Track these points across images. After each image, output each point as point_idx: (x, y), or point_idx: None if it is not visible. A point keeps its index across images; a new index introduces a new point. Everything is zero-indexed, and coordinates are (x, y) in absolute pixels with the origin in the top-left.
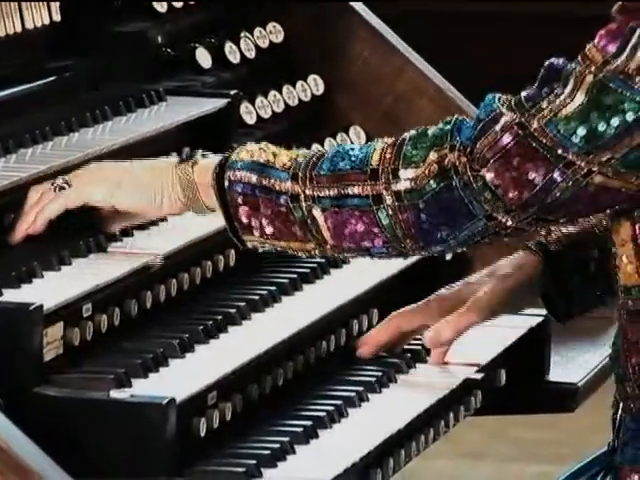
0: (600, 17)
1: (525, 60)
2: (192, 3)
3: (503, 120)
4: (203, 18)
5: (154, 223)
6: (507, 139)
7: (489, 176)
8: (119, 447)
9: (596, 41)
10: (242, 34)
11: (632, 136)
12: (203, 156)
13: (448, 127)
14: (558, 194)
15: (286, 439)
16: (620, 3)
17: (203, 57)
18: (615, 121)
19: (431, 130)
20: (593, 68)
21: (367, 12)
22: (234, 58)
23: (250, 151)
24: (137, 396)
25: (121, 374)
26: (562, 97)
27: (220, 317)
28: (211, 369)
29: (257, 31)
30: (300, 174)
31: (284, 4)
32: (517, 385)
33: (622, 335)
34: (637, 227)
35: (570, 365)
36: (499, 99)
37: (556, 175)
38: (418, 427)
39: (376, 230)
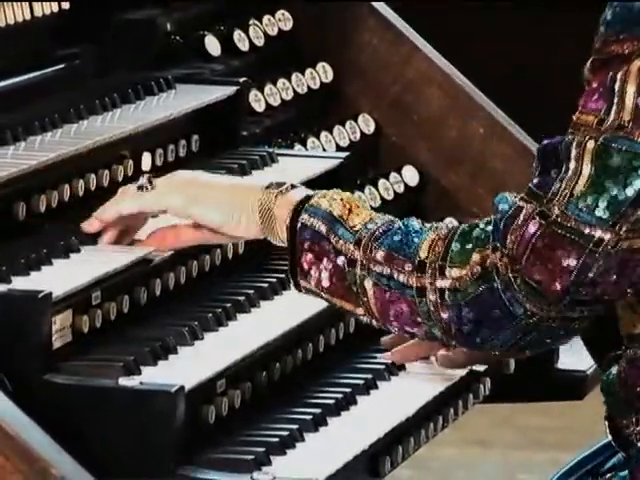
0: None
1: (525, 60)
2: None
3: (523, 213)
4: (212, 6)
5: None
6: (532, 231)
7: (527, 273)
8: (128, 435)
9: (581, 106)
10: (251, 22)
11: None
12: (292, 187)
13: (490, 227)
14: (593, 274)
15: (295, 427)
16: (590, 61)
17: (212, 45)
18: (631, 182)
19: (476, 229)
20: (591, 132)
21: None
22: (243, 46)
23: (331, 200)
24: (146, 384)
25: (130, 362)
26: (570, 173)
27: (229, 305)
28: (220, 357)
29: (266, 19)
30: (364, 241)
31: None
32: (526, 373)
33: (621, 382)
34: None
35: (579, 353)
36: (510, 195)
37: (589, 256)
38: (427, 415)
39: (419, 319)
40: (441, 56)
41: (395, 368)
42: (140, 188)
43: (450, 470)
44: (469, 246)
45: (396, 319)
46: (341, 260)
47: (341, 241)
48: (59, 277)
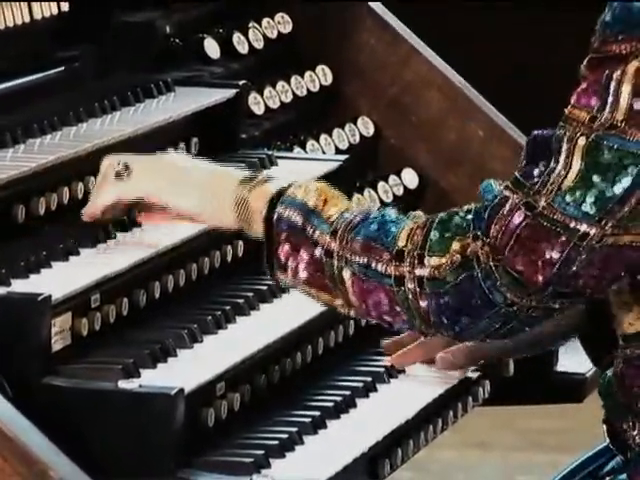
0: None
1: (525, 60)
2: None
3: (509, 203)
4: (211, 8)
5: None
6: (517, 221)
7: (509, 263)
8: (127, 437)
9: (574, 101)
10: (250, 24)
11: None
12: (268, 179)
13: (470, 216)
14: (576, 267)
15: (294, 430)
16: (587, 59)
17: (211, 47)
18: (620, 179)
19: (455, 218)
20: (583, 129)
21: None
22: (242, 48)
23: (306, 190)
24: (145, 386)
25: (129, 364)
26: (559, 167)
27: (228, 307)
28: (219, 359)
29: (265, 21)
30: (340, 232)
31: None
32: (525, 375)
33: (619, 382)
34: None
35: (578, 355)
36: (495, 183)
37: (573, 249)
38: (426, 417)
39: (398, 309)
40: (440, 58)
41: (394, 371)
42: (117, 174)
43: (450, 472)
44: (448, 234)
45: (374, 309)
46: (318, 251)
47: (317, 232)
48: (58, 280)
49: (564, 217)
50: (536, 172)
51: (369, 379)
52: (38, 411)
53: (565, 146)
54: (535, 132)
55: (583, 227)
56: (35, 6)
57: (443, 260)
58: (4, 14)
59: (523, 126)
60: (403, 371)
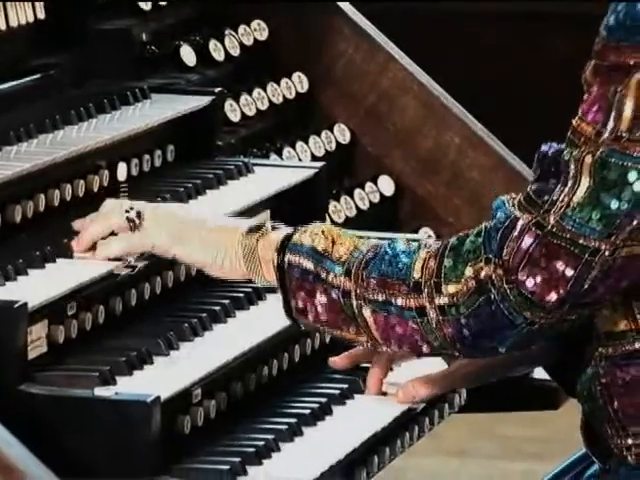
0: (582, 15)
1: (507, 59)
2: (176, 1)
3: (520, 224)
4: (187, 16)
5: None
6: (528, 242)
7: (522, 285)
8: (104, 445)
9: (581, 113)
10: (226, 32)
11: None
12: (273, 228)
13: (480, 240)
14: (590, 281)
15: (271, 437)
16: (592, 65)
17: (187, 55)
18: (625, 195)
19: (466, 243)
20: (589, 146)
21: (352, 10)
22: (218, 56)
23: (312, 235)
24: (122, 394)
25: (106, 372)
26: (569, 185)
27: (205, 315)
28: (196, 367)
29: (242, 29)
30: (353, 271)
31: (268, 2)
32: (501, 383)
33: (599, 381)
34: None
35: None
36: (508, 202)
37: (585, 265)
38: (403, 424)
39: (423, 339)
40: (417, 65)
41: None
42: (129, 220)
43: None
44: (461, 260)
45: (399, 342)
46: (335, 293)
47: (331, 274)
48: (35, 287)
49: (573, 234)
50: (547, 189)
51: (345, 386)
52: (14, 419)
53: (572, 166)
54: (543, 147)
55: (593, 243)
56: (11, 13)
57: (459, 287)
58: None
59: (509, 124)
60: None
